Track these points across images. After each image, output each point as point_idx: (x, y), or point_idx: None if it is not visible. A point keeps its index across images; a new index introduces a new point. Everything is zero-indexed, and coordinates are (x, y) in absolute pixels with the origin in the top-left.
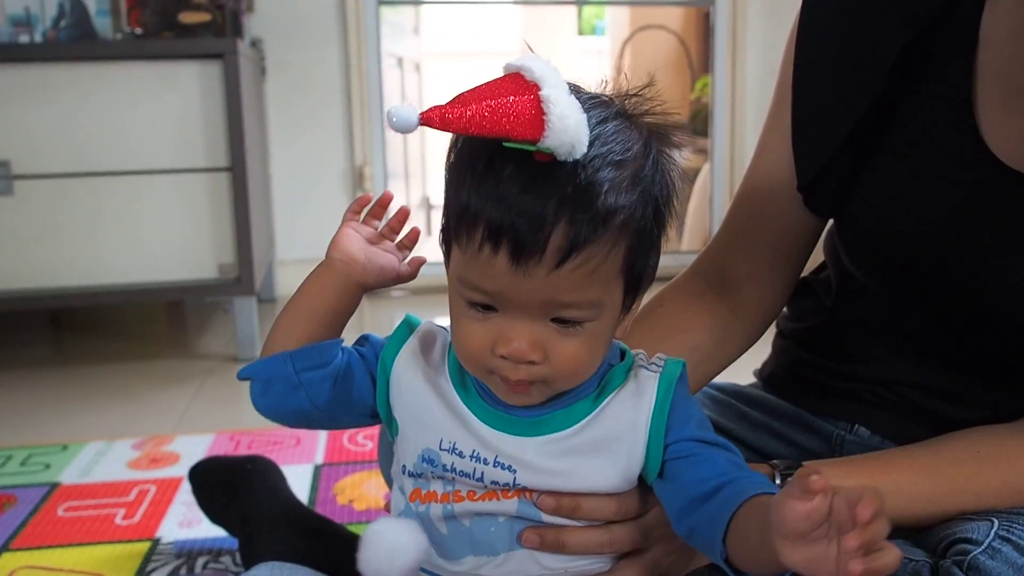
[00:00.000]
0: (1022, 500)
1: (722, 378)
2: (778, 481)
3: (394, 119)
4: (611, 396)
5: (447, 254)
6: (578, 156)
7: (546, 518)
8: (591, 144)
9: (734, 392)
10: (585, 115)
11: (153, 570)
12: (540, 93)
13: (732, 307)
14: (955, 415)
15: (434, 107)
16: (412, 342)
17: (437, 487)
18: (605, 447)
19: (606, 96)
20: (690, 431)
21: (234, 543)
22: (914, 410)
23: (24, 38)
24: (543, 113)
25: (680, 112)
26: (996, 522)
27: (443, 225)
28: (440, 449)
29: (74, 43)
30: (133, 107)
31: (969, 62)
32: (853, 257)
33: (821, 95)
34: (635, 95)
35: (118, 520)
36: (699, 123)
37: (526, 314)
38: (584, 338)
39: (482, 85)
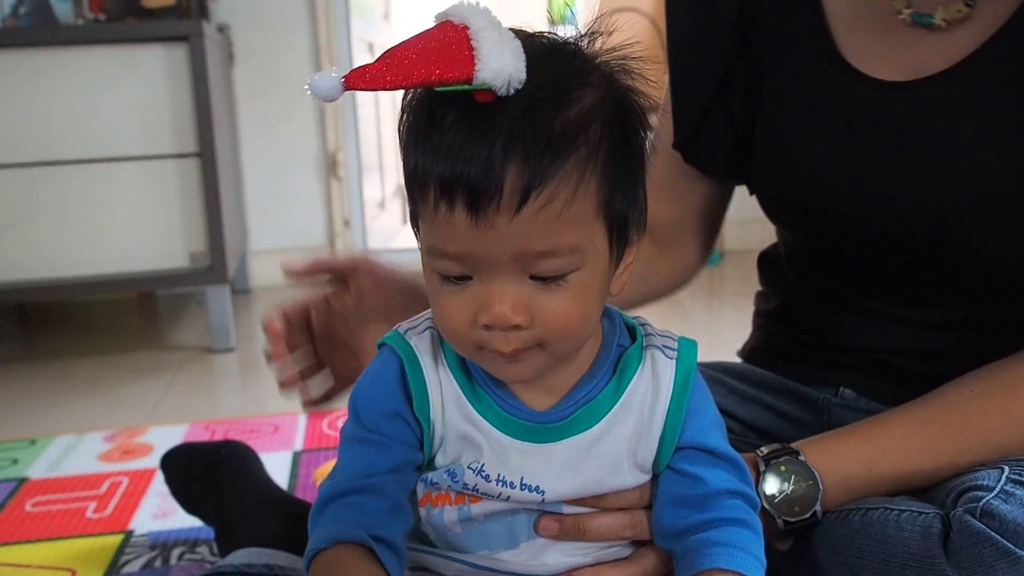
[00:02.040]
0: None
1: (706, 358)
2: (762, 468)
3: (314, 88)
4: (631, 384)
5: (416, 231)
6: (518, 85)
7: (567, 508)
8: (536, 74)
9: (721, 368)
10: (520, 43)
11: (126, 563)
12: (468, 32)
13: (659, 248)
14: (926, 370)
15: (358, 67)
16: (426, 360)
17: (452, 492)
18: (630, 442)
19: (556, 34)
20: (702, 438)
21: (210, 533)
22: (887, 369)
23: None
24: (472, 49)
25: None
26: (1007, 468)
27: (408, 202)
28: (467, 468)
29: (34, 30)
30: (97, 93)
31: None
32: (770, 212)
33: (687, 54)
34: (592, 33)
35: (89, 513)
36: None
37: (501, 274)
38: (571, 292)
39: (409, 38)
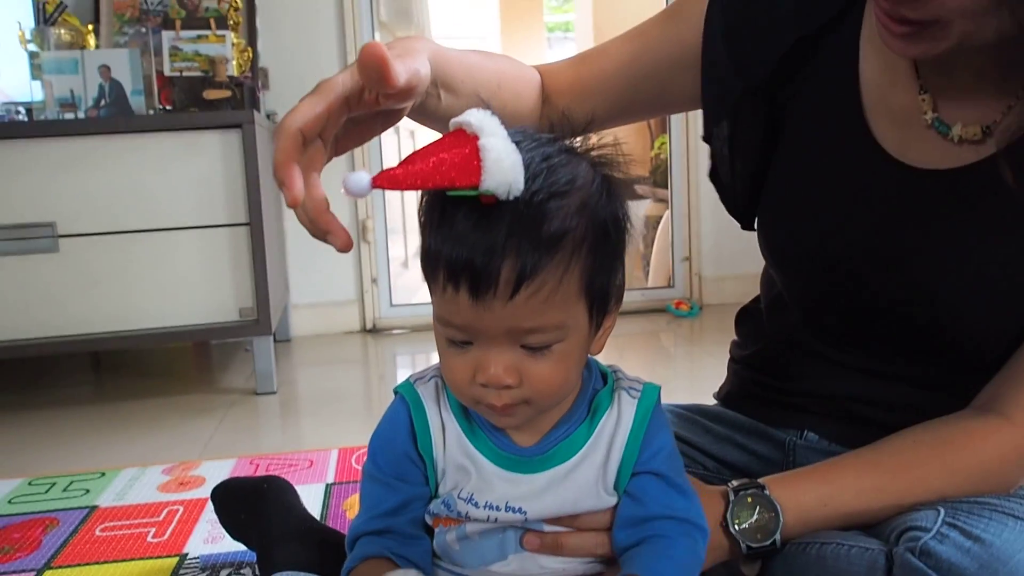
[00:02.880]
0: (962, 478)
1: (686, 400)
2: (731, 499)
3: (348, 185)
4: (602, 421)
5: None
6: (517, 194)
7: (547, 527)
8: (534, 179)
9: (698, 410)
10: (521, 156)
11: None
12: (478, 143)
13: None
14: (886, 419)
15: (384, 171)
16: (430, 405)
17: (449, 516)
18: (599, 470)
19: (551, 136)
20: (653, 465)
21: (253, 556)
22: (850, 416)
23: (70, 116)
24: (479, 160)
25: (641, 166)
26: (942, 510)
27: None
28: (458, 498)
29: (112, 119)
30: (163, 172)
31: (854, 68)
32: (766, 248)
33: (755, 34)
34: (581, 133)
35: (149, 538)
36: (659, 176)
37: (496, 343)
38: (555, 359)
39: (429, 144)
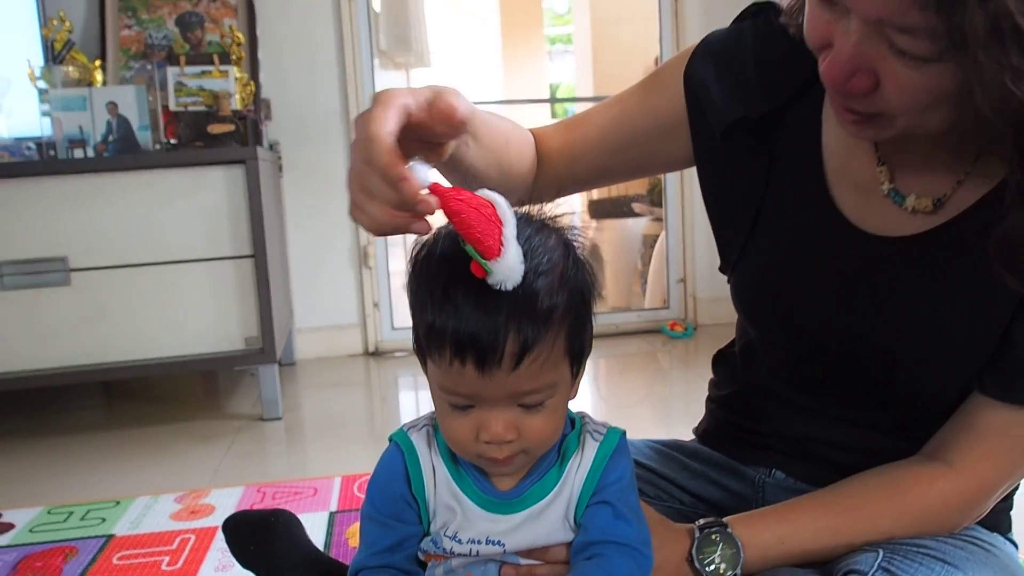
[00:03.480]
0: (908, 521)
1: (665, 436)
2: (698, 535)
3: (413, 169)
4: (570, 464)
5: (423, 362)
6: (511, 287)
7: (522, 559)
8: (524, 258)
9: (676, 446)
10: (521, 250)
11: None
12: (504, 231)
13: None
14: (848, 460)
15: (441, 185)
16: (423, 452)
17: (439, 552)
18: (566, 507)
19: (525, 213)
20: (605, 495)
21: None
22: (816, 457)
23: (79, 153)
24: (501, 247)
25: (639, 185)
26: (881, 553)
27: (415, 339)
28: (444, 535)
29: (120, 156)
30: (169, 207)
31: (817, 136)
32: (738, 303)
33: (740, 89)
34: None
35: (164, 566)
36: (655, 196)
37: (498, 406)
38: (547, 413)
39: (470, 194)
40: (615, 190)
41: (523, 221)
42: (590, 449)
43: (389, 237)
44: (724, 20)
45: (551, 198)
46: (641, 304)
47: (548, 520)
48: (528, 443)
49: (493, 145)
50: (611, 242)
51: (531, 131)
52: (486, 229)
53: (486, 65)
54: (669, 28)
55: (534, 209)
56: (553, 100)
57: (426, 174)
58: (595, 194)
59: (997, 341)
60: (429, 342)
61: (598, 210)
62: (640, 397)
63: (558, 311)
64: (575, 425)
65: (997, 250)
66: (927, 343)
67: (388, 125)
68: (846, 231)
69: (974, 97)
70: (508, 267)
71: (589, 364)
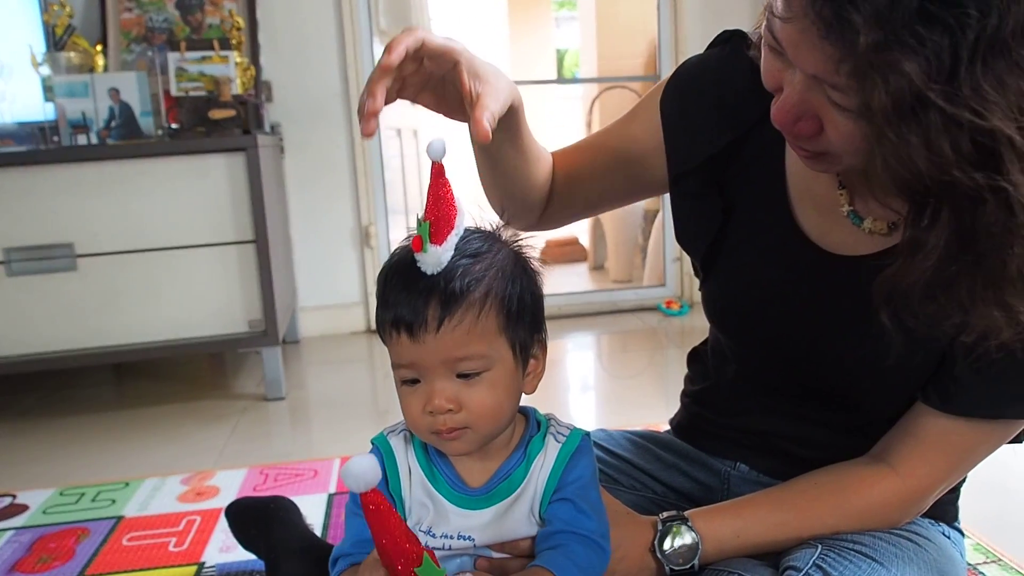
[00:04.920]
0: (852, 518)
1: (642, 426)
2: (660, 527)
3: (432, 147)
4: (534, 463)
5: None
6: (431, 272)
7: (493, 552)
8: (456, 253)
9: (651, 438)
10: (453, 250)
11: None
12: (452, 232)
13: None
14: (807, 455)
15: (444, 170)
16: (400, 454)
17: None
18: (531, 503)
19: (489, 231)
20: (566, 492)
21: (263, 565)
22: (778, 451)
23: (82, 139)
24: (444, 242)
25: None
26: (819, 549)
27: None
28: (419, 530)
29: (123, 144)
30: (172, 194)
31: (781, 159)
32: (709, 313)
33: (689, 130)
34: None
35: (171, 547)
36: None
37: (437, 376)
38: (486, 385)
39: (454, 197)
40: None
41: (474, 232)
42: (552, 449)
43: (390, 217)
44: None
45: (564, 222)
46: (640, 283)
47: (515, 516)
48: (469, 415)
49: (528, 155)
50: (612, 216)
51: (553, 153)
52: (445, 222)
53: (492, 34)
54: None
55: (501, 230)
56: (562, 80)
57: (441, 149)
58: None
59: (940, 357)
60: (379, 326)
61: None
62: (645, 368)
63: (478, 291)
64: (541, 427)
65: (878, 290)
66: (874, 356)
67: (396, 53)
68: (808, 249)
69: (875, 161)
70: (437, 256)
71: (592, 340)
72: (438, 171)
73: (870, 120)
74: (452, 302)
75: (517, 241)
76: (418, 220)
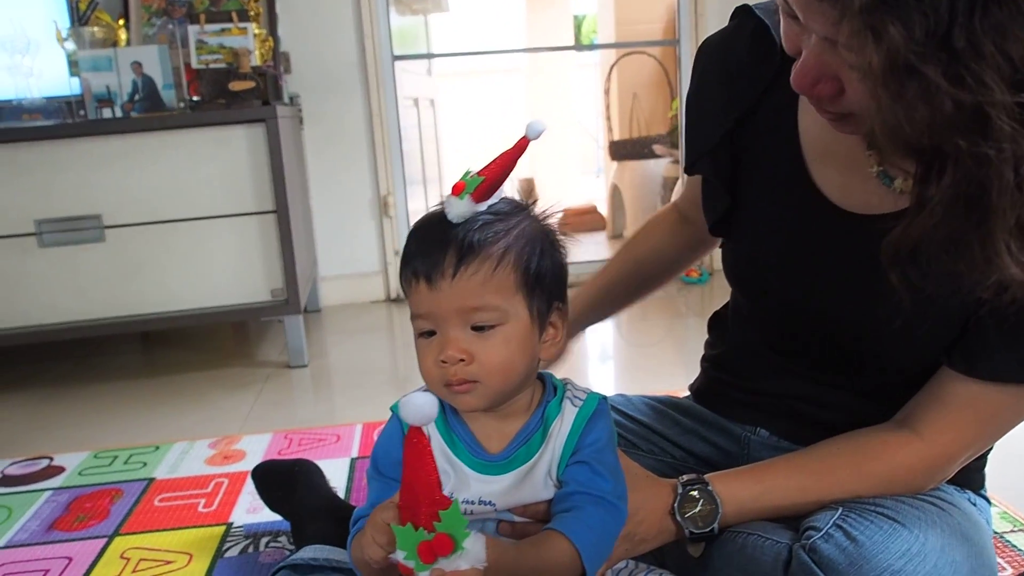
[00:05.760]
0: (873, 483)
1: (662, 392)
2: (680, 491)
3: (531, 127)
4: (552, 427)
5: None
6: (454, 220)
7: (516, 516)
8: (478, 215)
9: (671, 403)
10: (479, 209)
11: (228, 549)
12: (491, 197)
13: (681, 220)
14: (828, 419)
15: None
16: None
17: None
18: (548, 466)
19: (523, 203)
20: (583, 455)
21: (288, 525)
22: (797, 415)
23: (107, 112)
24: (481, 201)
25: (661, 125)
26: (840, 510)
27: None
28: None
29: (146, 117)
30: (195, 165)
31: (794, 122)
32: (729, 276)
33: (701, 113)
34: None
35: (200, 508)
36: (675, 137)
37: (451, 326)
38: (499, 339)
39: (510, 167)
40: (636, 130)
41: (506, 198)
42: (569, 414)
43: (409, 187)
44: None
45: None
46: None
47: (533, 480)
48: (482, 371)
49: (627, 285)
50: (631, 183)
51: (674, 205)
52: (493, 188)
53: (509, 1)
54: None
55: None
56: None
57: (538, 131)
58: (616, 135)
59: (965, 319)
60: (402, 277)
61: (619, 151)
62: (665, 334)
63: (496, 246)
64: (558, 392)
65: (884, 248)
66: (895, 317)
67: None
68: (827, 210)
69: (877, 120)
70: (468, 208)
71: None
72: (523, 147)
73: (872, 79)
74: (469, 252)
75: (546, 215)
76: (468, 171)
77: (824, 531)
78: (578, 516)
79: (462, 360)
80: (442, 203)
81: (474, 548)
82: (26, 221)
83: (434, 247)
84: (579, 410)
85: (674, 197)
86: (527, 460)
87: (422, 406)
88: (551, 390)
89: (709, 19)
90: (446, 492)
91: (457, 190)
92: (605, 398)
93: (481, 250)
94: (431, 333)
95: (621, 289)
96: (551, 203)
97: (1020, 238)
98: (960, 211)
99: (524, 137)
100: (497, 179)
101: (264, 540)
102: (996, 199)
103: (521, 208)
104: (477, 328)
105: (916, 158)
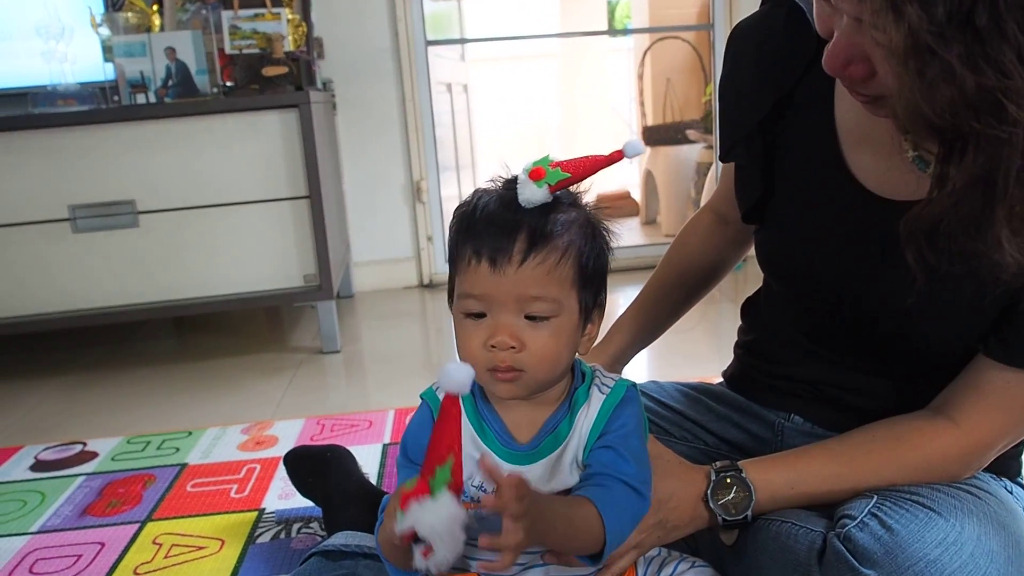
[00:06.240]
0: (909, 471)
1: (695, 378)
2: (714, 477)
3: (630, 145)
4: (579, 415)
5: (451, 299)
6: (525, 205)
7: None
8: (548, 203)
9: (703, 390)
10: (550, 200)
11: (260, 534)
12: (568, 189)
13: (720, 221)
14: (861, 404)
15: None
16: None
17: (467, 500)
18: (575, 453)
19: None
20: (608, 440)
21: (319, 511)
22: (831, 401)
23: (141, 98)
24: (556, 191)
25: (696, 110)
26: (875, 499)
27: (449, 276)
28: (472, 485)
29: (180, 103)
30: (228, 151)
31: (830, 107)
32: (763, 263)
33: (736, 99)
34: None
35: (232, 494)
36: (709, 122)
37: (506, 311)
38: (550, 330)
39: (599, 170)
40: (669, 116)
41: (567, 192)
42: (596, 401)
43: (442, 173)
44: None
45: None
46: None
47: (561, 468)
48: (531, 360)
49: (671, 303)
50: (665, 169)
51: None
52: (571, 183)
53: None
54: None
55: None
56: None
57: (638, 149)
58: (650, 120)
59: (1001, 307)
60: (456, 254)
61: (652, 136)
62: (701, 322)
63: (565, 234)
64: (586, 378)
65: (904, 226)
66: (930, 303)
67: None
68: (861, 196)
69: (900, 100)
70: (541, 196)
71: None
72: (615, 159)
73: (896, 58)
74: (540, 240)
75: (597, 206)
76: (547, 157)
77: (859, 519)
78: (607, 491)
79: (512, 347)
80: (495, 184)
81: (446, 500)
82: (60, 206)
83: (503, 230)
84: (606, 397)
85: (704, 196)
86: (554, 449)
87: (461, 377)
88: (579, 376)
89: (743, 3)
90: (475, 483)
91: (537, 175)
92: (635, 385)
93: (551, 241)
94: (480, 316)
95: (667, 304)
96: (584, 189)
97: (1013, 225)
98: (978, 192)
99: (620, 151)
100: (579, 179)
101: (296, 526)
102: (1002, 183)
103: (576, 200)
104: (530, 317)
105: (938, 138)
